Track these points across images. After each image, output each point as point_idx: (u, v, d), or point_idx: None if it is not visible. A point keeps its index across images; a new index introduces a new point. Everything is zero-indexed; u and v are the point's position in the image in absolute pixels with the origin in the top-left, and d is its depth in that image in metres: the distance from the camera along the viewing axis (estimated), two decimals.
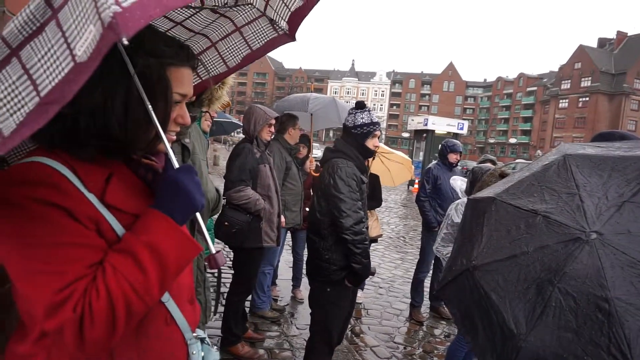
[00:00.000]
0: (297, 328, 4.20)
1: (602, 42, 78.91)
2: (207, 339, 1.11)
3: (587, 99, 71.53)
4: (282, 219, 3.77)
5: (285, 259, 5.53)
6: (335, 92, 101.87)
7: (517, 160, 30.04)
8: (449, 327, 4.63)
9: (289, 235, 4.92)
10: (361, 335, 4.27)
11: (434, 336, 4.45)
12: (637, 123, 68.81)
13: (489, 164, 4.07)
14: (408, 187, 19.36)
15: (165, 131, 0.95)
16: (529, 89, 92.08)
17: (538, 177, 1.24)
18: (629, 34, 76.12)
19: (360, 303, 5.00)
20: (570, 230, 1.05)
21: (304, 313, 4.33)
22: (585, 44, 76.69)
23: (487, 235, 1.24)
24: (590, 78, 71.94)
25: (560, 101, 76.64)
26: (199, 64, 1.31)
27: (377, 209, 4.95)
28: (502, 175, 2.56)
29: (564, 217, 1.08)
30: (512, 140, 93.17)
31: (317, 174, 3.90)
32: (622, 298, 0.92)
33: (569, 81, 76.05)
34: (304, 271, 3.49)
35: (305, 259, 3.13)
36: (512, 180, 1.33)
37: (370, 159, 3.13)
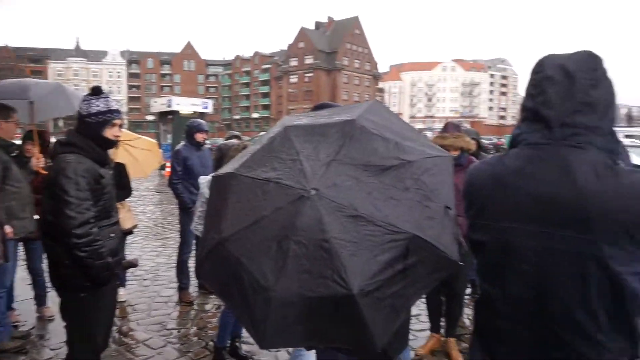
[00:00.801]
0: (52, 349, 3.67)
1: (318, 25, 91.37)
2: None
3: (312, 74, 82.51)
4: (8, 229, 3.16)
5: (21, 276, 4.63)
6: (60, 74, 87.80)
7: (261, 133, 32.38)
8: (219, 299, 4.83)
9: (21, 248, 4.15)
10: (130, 333, 4.04)
11: (206, 312, 4.57)
12: (349, 93, 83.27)
13: (234, 140, 4.32)
14: (160, 172, 18.60)
15: None
16: (264, 67, 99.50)
17: (267, 148, 1.41)
18: (335, 19, 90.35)
19: (124, 301, 4.69)
20: (296, 190, 1.24)
21: (57, 331, 3.79)
22: (306, 26, 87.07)
23: (231, 207, 1.34)
24: (312, 56, 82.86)
25: (291, 77, 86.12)
26: None
27: (129, 198, 4.65)
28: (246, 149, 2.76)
29: (291, 180, 1.28)
30: (255, 115, 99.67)
31: (47, 172, 3.37)
32: (337, 236, 1.16)
33: (296, 59, 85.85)
34: (49, 285, 3.03)
35: (46, 270, 2.73)
36: (247, 154, 1.47)
37: (113, 150, 2.86)
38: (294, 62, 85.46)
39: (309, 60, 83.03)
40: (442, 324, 3.73)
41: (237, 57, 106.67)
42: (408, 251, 1.15)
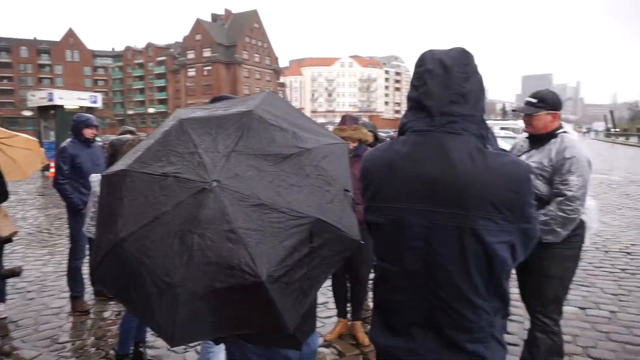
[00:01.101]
0: None
1: (214, 17, 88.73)
2: None
3: (210, 67, 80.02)
4: None
5: None
6: None
7: None
8: (119, 305, 4.53)
9: None
10: (14, 352, 3.63)
11: (104, 320, 4.27)
12: (250, 87, 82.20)
13: (128, 135, 4.06)
14: (43, 173, 16.76)
15: None
16: (158, 59, 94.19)
17: (161, 142, 1.36)
18: (232, 12, 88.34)
19: (4, 318, 4.19)
20: (197, 184, 1.22)
21: None
22: (202, 17, 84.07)
23: (127, 206, 1.28)
24: (210, 49, 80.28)
25: (189, 70, 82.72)
26: None
27: (4, 203, 4.15)
28: None
29: (190, 174, 1.25)
30: (151, 110, 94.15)
31: None
32: (242, 226, 1.17)
33: (193, 51, 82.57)
34: None
35: None
36: (141, 149, 1.40)
37: None
38: (191, 55, 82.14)
39: (207, 53, 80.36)
40: (349, 309, 3.89)
41: (128, 48, 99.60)
42: (312, 234, 1.20)
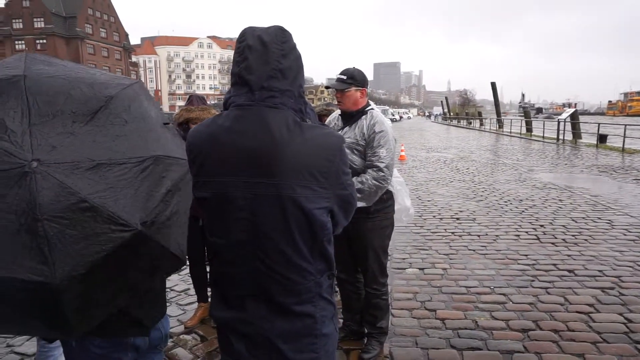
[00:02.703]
0: None
1: None
2: None
3: (45, 41, 69.69)
4: None
5: None
6: None
7: None
8: None
9: None
10: None
11: None
12: (97, 66, 73.84)
13: None
14: None
15: None
16: None
17: None
18: None
19: None
20: (13, 172, 1.06)
21: None
22: None
23: None
24: (43, 19, 69.74)
25: (17, 42, 70.77)
26: None
27: None
28: None
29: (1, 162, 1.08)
30: None
31: None
32: (91, 192, 1.08)
33: (21, 21, 70.86)
34: None
35: None
36: None
37: None
38: (18, 25, 70.51)
39: (39, 23, 69.75)
40: (210, 292, 3.83)
41: None
42: (162, 171, 1.24)
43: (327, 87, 2.95)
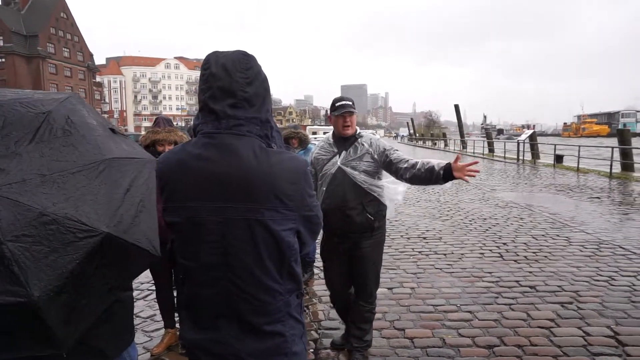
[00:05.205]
0: None
1: (7, 0, 75.02)
2: None
3: (4, 60, 67.49)
4: None
5: None
6: None
7: None
8: None
9: None
10: None
11: None
12: (59, 85, 71.99)
13: None
14: None
15: None
16: None
17: None
18: None
19: None
20: None
21: None
22: None
23: None
24: (2, 38, 67.69)
25: None
26: None
27: None
28: None
29: None
30: None
31: None
32: (53, 206, 1.08)
33: None
34: None
35: None
36: None
37: None
38: None
39: None
40: (177, 318, 3.75)
41: None
42: (118, 172, 1.23)
43: (350, 113, 2.92)
